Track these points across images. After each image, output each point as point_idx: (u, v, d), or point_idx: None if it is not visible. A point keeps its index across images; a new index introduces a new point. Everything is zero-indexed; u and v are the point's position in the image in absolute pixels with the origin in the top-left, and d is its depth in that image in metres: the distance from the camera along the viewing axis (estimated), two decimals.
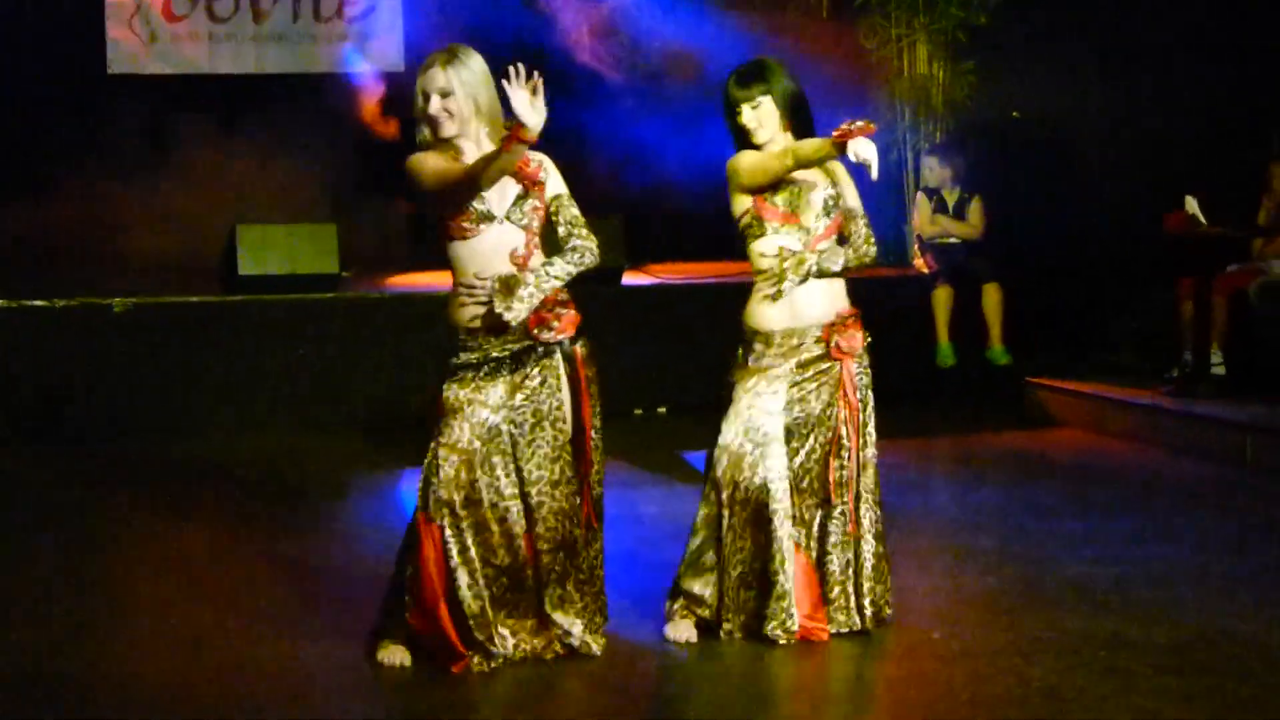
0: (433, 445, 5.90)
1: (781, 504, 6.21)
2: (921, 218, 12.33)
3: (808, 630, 6.22)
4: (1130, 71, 12.34)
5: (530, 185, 6.00)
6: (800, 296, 6.30)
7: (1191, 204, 10.59)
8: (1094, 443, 10.55)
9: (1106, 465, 9.86)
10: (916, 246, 12.54)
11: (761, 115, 6.28)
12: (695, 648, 6.25)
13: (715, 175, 13.62)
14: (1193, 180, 10.93)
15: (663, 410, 11.47)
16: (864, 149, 5.94)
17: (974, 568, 7.41)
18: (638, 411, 11.41)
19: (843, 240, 6.40)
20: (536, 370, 5.96)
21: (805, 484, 6.28)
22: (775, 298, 6.29)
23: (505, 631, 5.92)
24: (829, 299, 6.34)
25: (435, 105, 5.93)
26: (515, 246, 5.96)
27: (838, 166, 6.39)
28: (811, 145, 6.13)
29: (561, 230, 6.05)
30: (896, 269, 12.96)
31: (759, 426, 6.25)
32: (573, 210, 6.07)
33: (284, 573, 7.33)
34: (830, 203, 6.35)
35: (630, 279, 12.00)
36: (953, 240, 12.19)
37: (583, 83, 13.47)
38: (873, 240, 6.40)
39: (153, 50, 13.51)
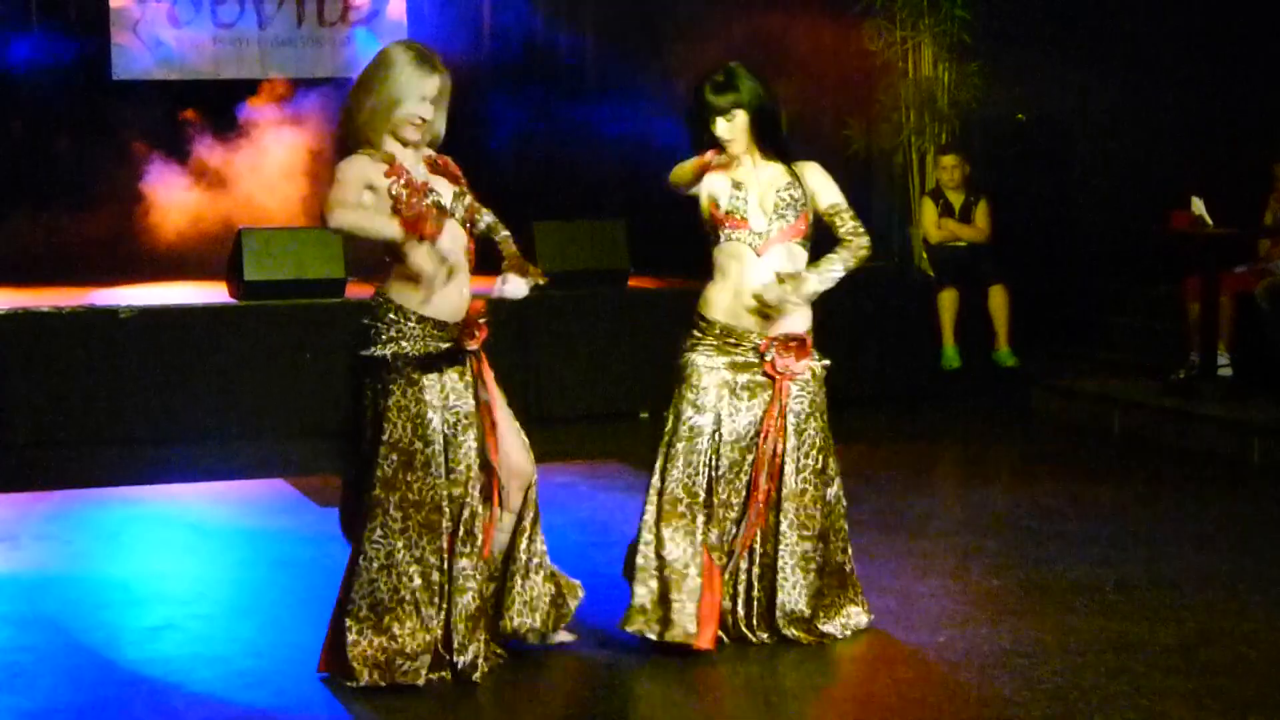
0: (383, 444, 5.82)
1: (699, 499, 6.19)
2: (928, 223, 12.30)
3: (699, 635, 6.16)
4: (1135, 72, 12.33)
5: (459, 182, 5.97)
6: (745, 297, 6.24)
7: (1198, 205, 10.58)
8: (1100, 444, 10.53)
9: (1112, 466, 9.85)
10: (923, 250, 12.53)
11: (736, 128, 6.24)
12: (701, 651, 6.23)
13: None
14: (1199, 181, 10.91)
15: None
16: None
17: (979, 569, 7.40)
18: (643, 415, 11.40)
19: (810, 236, 6.32)
20: (456, 374, 5.90)
21: (723, 490, 6.25)
22: (773, 315, 6.22)
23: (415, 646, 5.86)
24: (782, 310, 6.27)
25: (429, 111, 5.86)
26: (463, 242, 5.93)
27: (807, 166, 6.34)
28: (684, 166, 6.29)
29: (484, 224, 6.08)
30: (901, 271, 12.94)
31: (688, 421, 6.24)
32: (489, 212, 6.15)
33: (294, 578, 7.33)
34: (785, 204, 6.26)
35: (635, 282, 11.99)
36: (959, 242, 12.18)
37: (590, 85, 13.48)
38: (861, 230, 6.30)
39: (157, 55, 13.53)
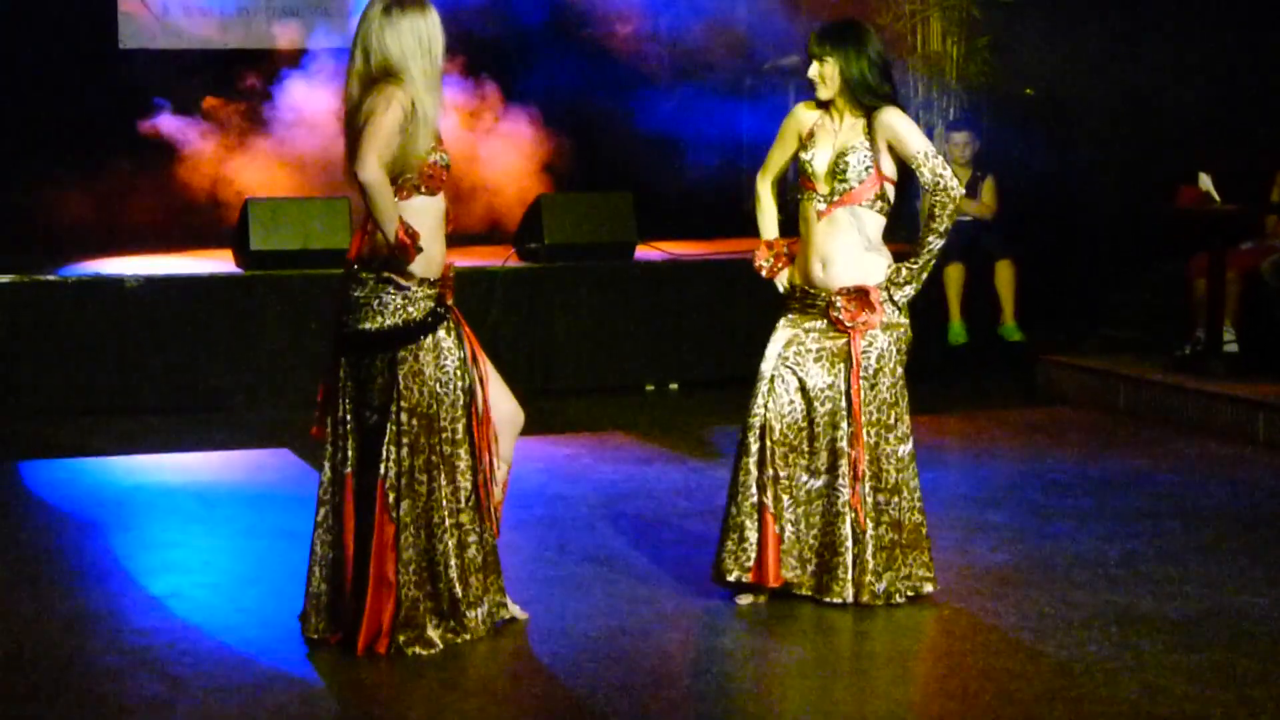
0: (395, 409, 5.82)
1: (754, 446, 6.33)
2: None
3: (758, 575, 6.32)
4: (1143, 47, 12.30)
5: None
6: (810, 259, 6.39)
7: (1205, 181, 10.56)
8: (1105, 419, 10.53)
9: (1117, 441, 9.85)
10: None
11: (825, 73, 6.34)
12: (706, 622, 6.26)
13: (725, 151, 13.59)
14: (1207, 157, 10.89)
15: (674, 386, 11.47)
16: None
17: (985, 543, 7.41)
18: (649, 387, 11.41)
19: (886, 196, 6.40)
20: (443, 330, 5.91)
21: (791, 437, 6.32)
22: (899, 304, 6.44)
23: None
24: (836, 267, 6.35)
25: None
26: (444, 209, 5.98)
27: (884, 114, 6.32)
28: None
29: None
30: (907, 245, 12.92)
31: (759, 368, 6.40)
32: None
33: (298, 548, 7.33)
34: (846, 168, 6.32)
35: (642, 253, 11.98)
36: (965, 217, 12.16)
37: (595, 56, 13.43)
38: (942, 178, 6.28)
39: (165, 24, 13.50)
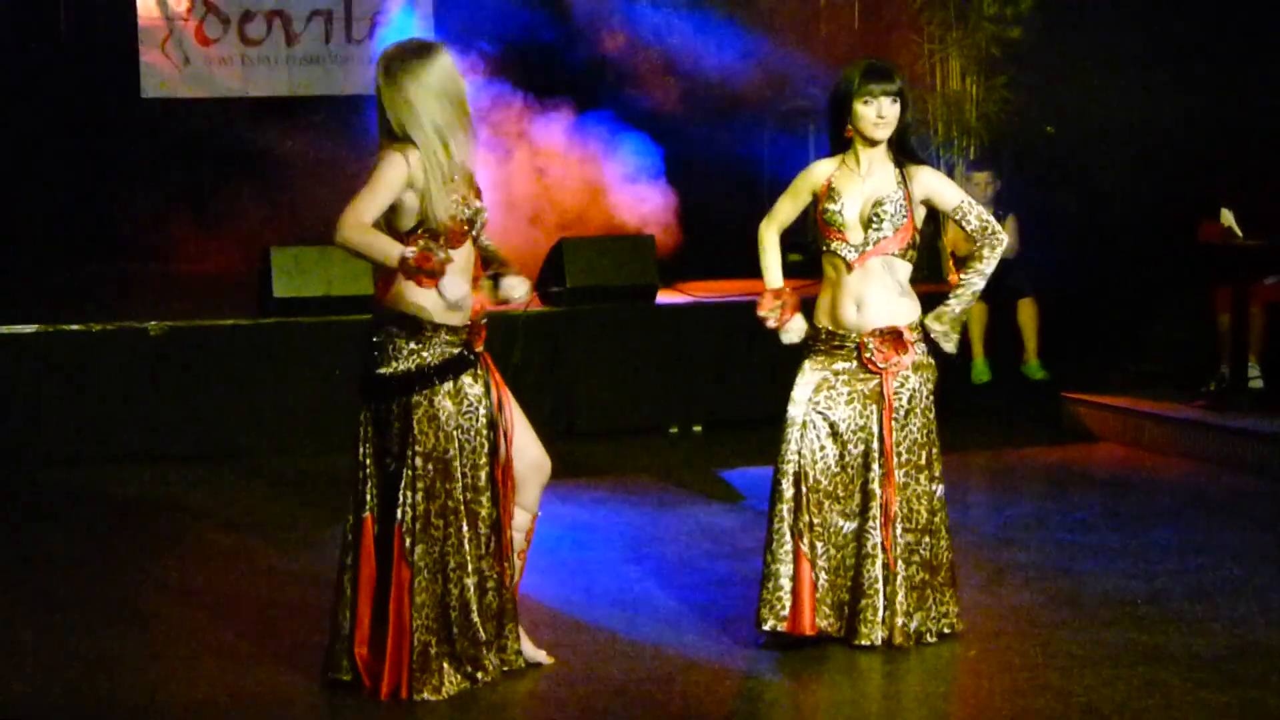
0: (410, 454, 5.82)
1: (788, 492, 6.30)
2: (956, 236, 12.27)
3: (793, 625, 6.27)
4: (1163, 83, 12.29)
5: (480, 196, 5.96)
6: (842, 302, 6.36)
7: (1227, 216, 10.54)
8: (1130, 456, 10.49)
9: (1143, 479, 9.82)
10: (950, 263, 12.51)
11: (894, 113, 6.30)
12: (733, 665, 6.24)
13: (747, 194, 13.58)
14: (1228, 192, 10.87)
15: (698, 428, 11.46)
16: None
17: (1011, 582, 7.38)
18: (673, 430, 11.39)
19: (916, 245, 6.38)
20: (470, 377, 5.92)
21: (825, 483, 6.29)
22: (946, 350, 6.37)
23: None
24: (870, 310, 6.34)
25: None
26: (469, 247, 5.94)
27: (919, 171, 6.35)
28: None
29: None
30: (930, 285, 12.91)
31: (788, 412, 6.36)
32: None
33: (322, 593, 7.34)
34: (882, 218, 6.30)
35: (664, 297, 11.99)
36: None
37: (615, 98, 13.47)
38: (988, 224, 6.32)
39: (186, 74, 13.57)
